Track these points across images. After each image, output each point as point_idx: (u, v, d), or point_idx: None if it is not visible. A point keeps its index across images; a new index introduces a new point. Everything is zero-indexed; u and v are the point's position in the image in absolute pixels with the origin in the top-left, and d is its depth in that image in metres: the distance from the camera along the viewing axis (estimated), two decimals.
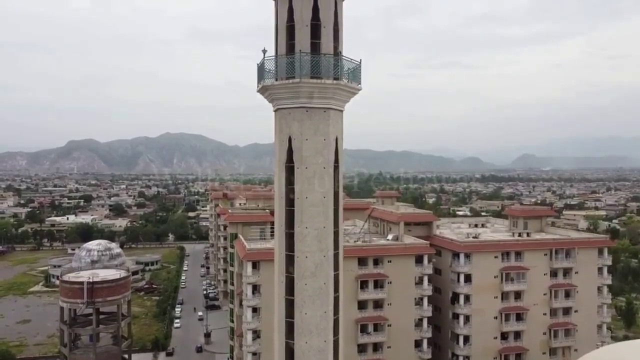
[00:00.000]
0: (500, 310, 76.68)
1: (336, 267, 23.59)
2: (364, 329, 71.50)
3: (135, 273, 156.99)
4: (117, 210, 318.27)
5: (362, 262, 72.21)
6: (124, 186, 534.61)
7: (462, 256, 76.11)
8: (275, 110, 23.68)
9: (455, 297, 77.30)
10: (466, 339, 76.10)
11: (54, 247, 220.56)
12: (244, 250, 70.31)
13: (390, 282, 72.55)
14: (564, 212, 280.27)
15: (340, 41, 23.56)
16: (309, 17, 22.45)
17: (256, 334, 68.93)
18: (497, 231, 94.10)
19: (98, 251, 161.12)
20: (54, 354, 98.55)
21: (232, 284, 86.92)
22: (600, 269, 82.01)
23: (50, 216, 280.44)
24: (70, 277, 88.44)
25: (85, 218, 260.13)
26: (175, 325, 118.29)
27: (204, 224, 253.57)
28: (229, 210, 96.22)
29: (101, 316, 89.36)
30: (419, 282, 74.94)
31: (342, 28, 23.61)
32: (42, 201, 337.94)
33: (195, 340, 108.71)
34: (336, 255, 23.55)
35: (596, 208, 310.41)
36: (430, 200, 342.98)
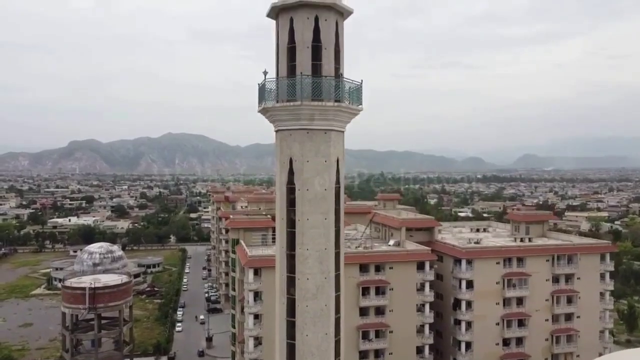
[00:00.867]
0: (502, 317, 76.60)
1: (337, 289, 23.56)
2: (365, 336, 71.45)
3: (137, 276, 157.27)
4: (119, 212, 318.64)
5: (363, 268, 72.17)
6: (126, 187, 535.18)
7: (463, 262, 76.02)
8: (276, 131, 23.67)
9: (457, 303, 77.24)
10: (468, 345, 76.01)
11: (56, 249, 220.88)
12: (245, 257, 70.31)
13: (392, 289, 72.46)
14: (566, 214, 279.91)
15: (341, 62, 23.53)
16: (310, 38, 22.44)
17: (258, 341, 68.96)
18: (498, 236, 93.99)
19: (100, 254, 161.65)
20: (55, 358, 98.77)
21: (234, 289, 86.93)
22: (602, 275, 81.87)
23: (53, 218, 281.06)
24: (72, 282, 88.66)
25: (87, 220, 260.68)
26: (177, 329, 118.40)
27: (205, 225, 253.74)
28: (231, 216, 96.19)
29: (103, 321, 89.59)
30: (421, 288, 74.84)
31: (343, 49, 23.59)
32: (44, 202, 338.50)
33: (197, 344, 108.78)
34: (337, 277, 23.53)
35: (598, 209, 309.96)
36: (432, 201, 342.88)
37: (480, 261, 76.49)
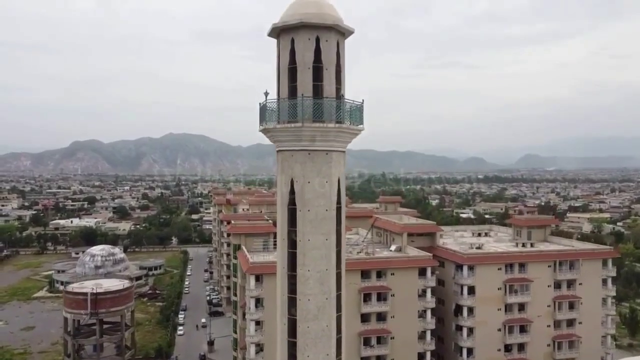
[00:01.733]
0: (504, 322, 76.53)
1: (339, 309, 23.56)
2: (367, 342, 71.41)
3: (138, 278, 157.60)
4: (121, 213, 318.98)
5: (365, 274, 72.16)
6: (128, 188, 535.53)
7: (465, 268, 75.95)
8: (277, 151, 23.66)
9: (458, 309, 77.19)
10: (470, 351, 75.95)
11: (58, 251, 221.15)
12: (247, 264, 70.29)
13: (394, 295, 72.42)
14: (567, 215, 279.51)
15: (342, 82, 23.49)
16: (311, 59, 22.41)
17: (259, 347, 68.95)
18: (500, 240, 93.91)
19: (102, 256, 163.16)
20: None
21: (235, 294, 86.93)
22: (604, 280, 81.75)
23: (55, 219, 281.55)
24: (74, 287, 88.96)
25: (89, 221, 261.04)
26: (179, 332, 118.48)
27: (207, 226, 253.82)
28: (232, 221, 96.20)
29: (105, 326, 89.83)
30: (422, 294, 74.81)
31: (344, 69, 23.57)
32: (46, 204, 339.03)
33: (199, 348, 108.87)
34: (339, 297, 23.52)
35: (600, 210, 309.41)
36: (434, 202, 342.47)
37: (481, 267, 76.41)
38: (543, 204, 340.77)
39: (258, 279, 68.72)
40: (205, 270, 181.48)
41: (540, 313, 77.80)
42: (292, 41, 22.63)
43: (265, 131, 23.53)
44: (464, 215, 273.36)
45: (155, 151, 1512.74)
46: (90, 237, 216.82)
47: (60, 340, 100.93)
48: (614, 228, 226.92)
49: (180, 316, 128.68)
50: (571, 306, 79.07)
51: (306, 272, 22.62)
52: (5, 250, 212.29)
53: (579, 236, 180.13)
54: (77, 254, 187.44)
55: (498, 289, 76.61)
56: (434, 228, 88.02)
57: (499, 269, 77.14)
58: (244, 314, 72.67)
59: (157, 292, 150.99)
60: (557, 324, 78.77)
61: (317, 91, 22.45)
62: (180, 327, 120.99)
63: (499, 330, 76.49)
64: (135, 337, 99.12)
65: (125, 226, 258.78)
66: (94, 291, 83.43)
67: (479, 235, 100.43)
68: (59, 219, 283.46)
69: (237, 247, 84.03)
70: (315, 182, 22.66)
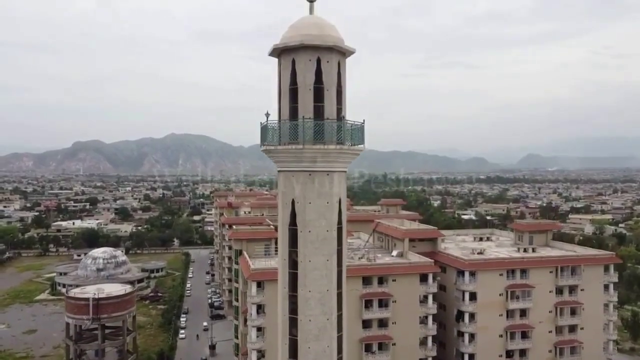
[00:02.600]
0: (506, 328, 76.45)
1: (340, 329, 23.58)
2: (368, 349, 71.42)
3: (140, 281, 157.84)
4: (123, 214, 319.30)
5: (366, 280, 72.15)
6: (130, 188, 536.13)
7: (467, 274, 75.90)
8: (278, 171, 23.71)
9: (460, 315, 77.12)
10: (471, 357, 75.89)
11: (60, 253, 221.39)
12: (248, 270, 70.35)
13: (395, 301, 72.41)
14: (569, 216, 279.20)
15: (343, 102, 23.49)
16: (312, 81, 22.42)
17: (261, 354, 68.97)
18: (502, 245, 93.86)
19: (104, 259, 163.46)
20: None
21: (237, 299, 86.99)
22: (606, 286, 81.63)
23: (57, 220, 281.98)
24: (76, 292, 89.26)
25: (91, 223, 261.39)
26: (181, 336, 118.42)
27: (209, 228, 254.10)
28: (234, 226, 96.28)
29: (106, 331, 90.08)
30: (424, 300, 74.80)
31: (345, 89, 23.57)
32: (48, 205, 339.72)
33: (201, 351, 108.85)
34: (339, 317, 23.54)
35: (602, 211, 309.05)
36: (435, 204, 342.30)
37: (483, 273, 76.35)
38: (545, 205, 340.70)
39: (260, 285, 68.74)
40: (207, 273, 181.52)
41: (542, 319, 77.72)
42: (293, 62, 22.65)
43: (266, 152, 23.57)
44: (465, 217, 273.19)
45: (157, 151, 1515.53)
46: (92, 239, 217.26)
47: (62, 343, 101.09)
48: (615, 230, 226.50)
49: (182, 319, 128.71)
50: (573, 312, 78.93)
51: (307, 292, 22.65)
52: (7, 252, 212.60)
53: (581, 238, 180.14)
54: (79, 256, 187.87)
55: (500, 294, 76.54)
56: (436, 233, 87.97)
57: (500, 275, 77.08)
58: (245, 320, 72.76)
59: (159, 294, 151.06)
60: (558, 329, 78.68)
61: (318, 112, 22.47)
62: (182, 331, 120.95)
63: (501, 336, 76.42)
64: (137, 342, 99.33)
65: (127, 228, 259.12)
66: (96, 296, 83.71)
67: (481, 239, 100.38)
68: (61, 220, 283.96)
69: (239, 253, 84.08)
70: (316, 203, 22.68)
